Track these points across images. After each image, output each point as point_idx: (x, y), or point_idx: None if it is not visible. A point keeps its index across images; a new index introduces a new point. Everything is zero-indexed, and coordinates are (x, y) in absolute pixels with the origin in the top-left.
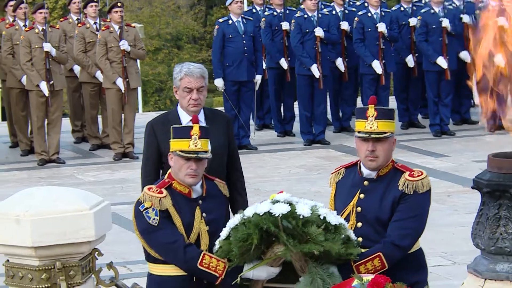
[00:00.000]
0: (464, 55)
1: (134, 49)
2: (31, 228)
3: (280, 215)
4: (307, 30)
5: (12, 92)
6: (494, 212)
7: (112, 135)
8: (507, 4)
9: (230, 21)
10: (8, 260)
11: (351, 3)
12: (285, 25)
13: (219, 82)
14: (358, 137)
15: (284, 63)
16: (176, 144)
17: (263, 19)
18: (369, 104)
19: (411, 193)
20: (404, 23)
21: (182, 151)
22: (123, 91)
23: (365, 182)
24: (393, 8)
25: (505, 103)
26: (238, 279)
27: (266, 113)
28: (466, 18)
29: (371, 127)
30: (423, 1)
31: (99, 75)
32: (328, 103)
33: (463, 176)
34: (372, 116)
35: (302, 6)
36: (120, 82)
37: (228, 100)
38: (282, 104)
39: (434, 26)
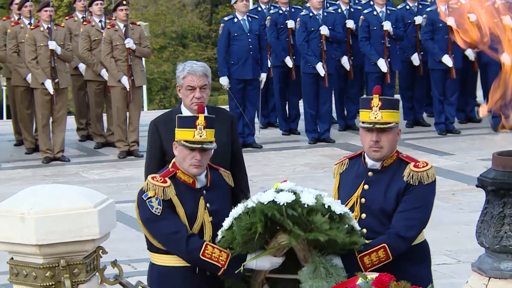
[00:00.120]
0: (470, 54)
1: (139, 47)
2: (36, 226)
3: (285, 204)
4: (312, 29)
5: (17, 90)
6: (498, 210)
7: (117, 133)
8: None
9: (236, 20)
10: (12, 258)
11: (357, 1)
12: (290, 23)
13: (224, 81)
14: (362, 128)
15: (289, 62)
16: (181, 134)
17: (268, 17)
18: (373, 94)
19: (416, 184)
20: (409, 21)
21: (186, 141)
22: (128, 89)
23: (370, 173)
24: (399, 7)
25: (510, 102)
26: (242, 268)
27: (271, 111)
28: (472, 17)
29: (375, 117)
30: (428, 0)
31: (104, 73)
32: (333, 102)
33: (468, 175)
34: (377, 106)
35: (307, 4)
36: (125, 80)
37: (233, 98)
38: (287, 102)
39: (439, 25)
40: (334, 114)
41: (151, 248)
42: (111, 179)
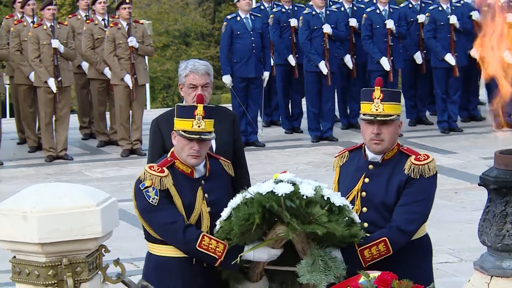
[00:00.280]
0: (473, 52)
1: (142, 46)
2: (38, 224)
3: (283, 195)
4: (315, 27)
5: (20, 88)
6: (500, 209)
7: (120, 131)
8: None
9: (238, 18)
10: (15, 257)
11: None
12: (293, 22)
13: (227, 79)
14: (363, 120)
15: (292, 60)
16: (179, 123)
17: (271, 16)
18: (375, 86)
19: (417, 177)
20: (412, 20)
21: (185, 131)
22: (131, 88)
23: (370, 166)
24: (402, 5)
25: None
26: (238, 259)
27: (274, 109)
28: (475, 15)
29: (376, 110)
30: None
31: (107, 71)
32: (336, 100)
33: (470, 173)
34: (378, 98)
35: (310, 3)
36: (128, 78)
37: (236, 96)
38: (290, 100)
39: (442, 23)
40: (337, 113)
41: (149, 238)
42: (114, 177)
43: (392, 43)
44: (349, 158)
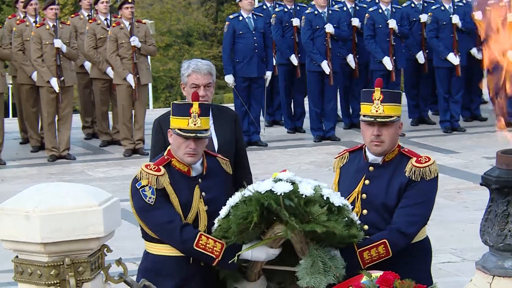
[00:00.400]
0: (475, 52)
1: (144, 45)
2: (40, 224)
3: (282, 194)
4: (317, 27)
5: (23, 88)
6: (502, 208)
7: (123, 131)
8: None
9: (241, 18)
10: (17, 256)
11: None
12: (295, 21)
13: (229, 79)
14: (363, 121)
15: (294, 60)
16: (175, 122)
17: (273, 15)
18: (375, 87)
19: (418, 179)
20: (414, 19)
21: (180, 130)
22: (133, 87)
23: (371, 168)
24: (404, 5)
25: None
26: (236, 258)
27: (276, 109)
28: (478, 15)
29: (376, 111)
30: None
31: (109, 71)
32: (338, 100)
33: (473, 173)
34: (378, 99)
35: (312, 2)
36: (130, 78)
37: (238, 96)
38: (292, 100)
39: (444, 23)
40: (339, 112)
41: (146, 237)
42: (116, 177)
43: (394, 43)
44: (349, 159)
